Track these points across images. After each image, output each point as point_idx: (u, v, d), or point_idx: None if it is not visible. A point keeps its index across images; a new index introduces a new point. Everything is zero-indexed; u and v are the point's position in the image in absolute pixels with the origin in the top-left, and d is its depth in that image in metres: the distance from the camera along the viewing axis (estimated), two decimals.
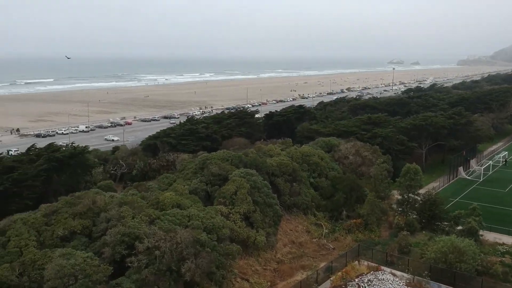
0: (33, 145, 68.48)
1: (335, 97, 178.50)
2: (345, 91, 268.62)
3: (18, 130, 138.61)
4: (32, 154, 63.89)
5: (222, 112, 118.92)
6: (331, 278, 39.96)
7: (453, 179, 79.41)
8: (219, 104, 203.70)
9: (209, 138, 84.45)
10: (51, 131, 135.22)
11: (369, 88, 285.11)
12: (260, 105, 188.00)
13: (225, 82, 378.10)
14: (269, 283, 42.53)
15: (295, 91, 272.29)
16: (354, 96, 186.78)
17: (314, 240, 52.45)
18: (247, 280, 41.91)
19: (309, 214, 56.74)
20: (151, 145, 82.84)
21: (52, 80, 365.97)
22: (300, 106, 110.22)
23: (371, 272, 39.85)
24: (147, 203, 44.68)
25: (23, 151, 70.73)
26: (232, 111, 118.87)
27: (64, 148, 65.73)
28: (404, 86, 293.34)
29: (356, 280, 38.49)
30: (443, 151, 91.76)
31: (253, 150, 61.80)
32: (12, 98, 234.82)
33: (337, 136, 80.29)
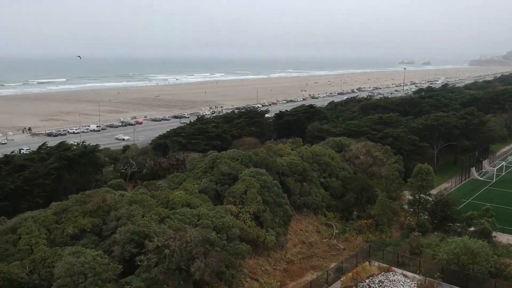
0: (44, 144, 68.91)
1: (346, 97, 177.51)
2: (356, 91, 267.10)
3: (30, 129, 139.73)
4: (43, 152, 64.32)
5: (232, 111, 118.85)
6: (342, 279, 39.58)
7: (465, 180, 78.56)
8: (229, 104, 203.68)
9: (219, 138, 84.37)
10: (63, 130, 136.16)
11: (380, 88, 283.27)
12: (270, 105, 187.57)
13: (236, 82, 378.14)
14: (279, 283, 42.28)
15: (305, 91, 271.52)
16: (365, 96, 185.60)
17: (325, 240, 52.09)
18: (257, 280, 41.69)
19: (319, 214, 56.37)
20: (161, 144, 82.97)
21: (64, 80, 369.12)
22: (311, 106, 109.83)
23: (382, 273, 39.39)
24: (157, 201, 44.64)
25: (35, 150, 71.17)
26: (242, 110, 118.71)
27: (75, 147, 66.07)
28: (415, 86, 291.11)
29: (367, 281, 38.05)
30: (455, 152, 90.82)
31: (263, 149, 61.62)
32: (25, 98, 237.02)
33: (348, 136, 79.82)
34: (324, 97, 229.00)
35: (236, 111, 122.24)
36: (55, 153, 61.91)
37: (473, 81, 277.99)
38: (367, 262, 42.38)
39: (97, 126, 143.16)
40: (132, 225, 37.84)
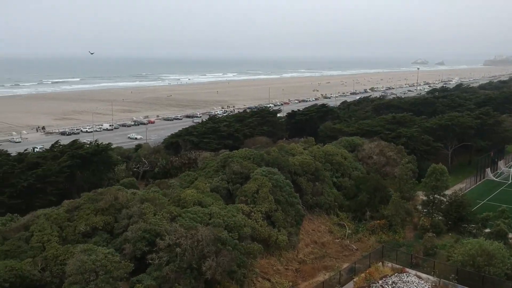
0: (57, 142, 69.30)
1: (358, 97, 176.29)
2: (369, 91, 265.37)
3: (43, 128, 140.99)
4: (56, 151, 64.63)
5: (244, 111, 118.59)
6: (354, 279, 39.11)
7: (480, 180, 77.38)
8: (241, 104, 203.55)
9: (231, 137, 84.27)
10: (76, 129, 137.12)
11: (393, 88, 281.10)
12: (282, 104, 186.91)
13: (248, 82, 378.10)
14: (290, 283, 41.98)
15: (317, 91, 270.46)
16: (378, 96, 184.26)
17: (337, 240, 51.65)
18: (269, 280, 41.41)
19: (332, 214, 55.94)
20: (173, 143, 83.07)
21: (78, 79, 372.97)
22: (323, 105, 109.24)
23: (395, 274, 38.85)
24: (169, 200, 44.60)
25: (48, 148, 71.60)
26: (254, 110, 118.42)
27: (87, 145, 66.33)
28: (428, 86, 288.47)
29: (380, 282, 37.55)
30: (470, 152, 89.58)
31: (275, 148, 61.32)
32: (39, 97, 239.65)
33: (361, 135, 79.20)
34: (337, 97, 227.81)
35: (248, 110, 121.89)
36: (68, 151, 62.23)
37: (487, 81, 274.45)
38: (380, 262, 41.84)
39: (110, 125, 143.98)
40: (144, 223, 37.82)
